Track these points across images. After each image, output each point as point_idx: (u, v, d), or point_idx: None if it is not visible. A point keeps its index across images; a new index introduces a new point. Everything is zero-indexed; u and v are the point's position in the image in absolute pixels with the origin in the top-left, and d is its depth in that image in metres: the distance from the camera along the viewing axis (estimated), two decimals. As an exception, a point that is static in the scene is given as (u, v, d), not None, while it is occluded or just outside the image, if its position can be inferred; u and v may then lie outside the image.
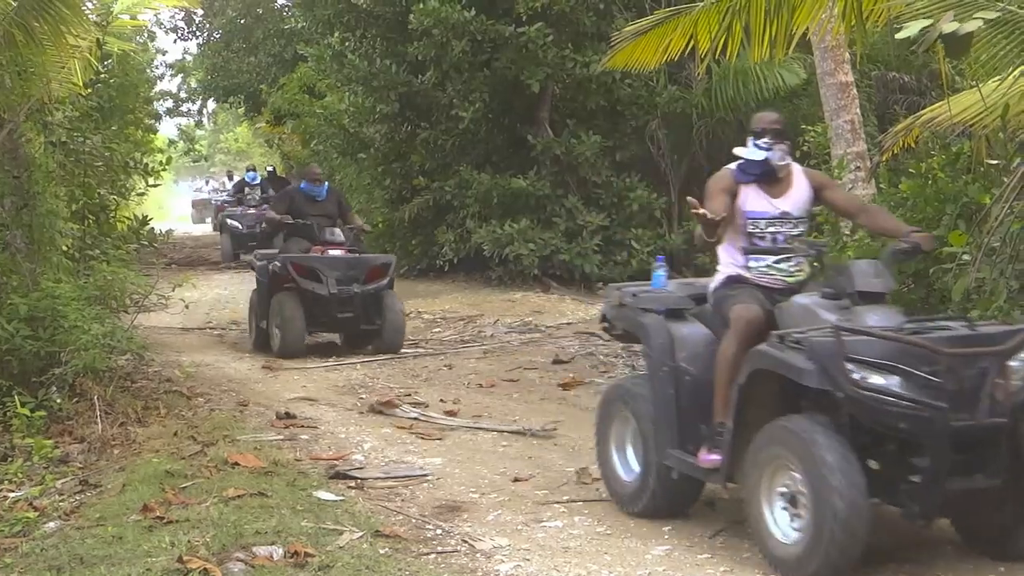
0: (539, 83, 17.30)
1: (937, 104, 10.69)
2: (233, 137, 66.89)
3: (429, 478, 7.31)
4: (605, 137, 17.98)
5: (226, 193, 31.05)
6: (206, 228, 37.08)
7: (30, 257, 9.74)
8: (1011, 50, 7.62)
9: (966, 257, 8.63)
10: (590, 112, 18.24)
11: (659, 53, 10.05)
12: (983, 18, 6.68)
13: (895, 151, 11.25)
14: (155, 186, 14.42)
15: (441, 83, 18.10)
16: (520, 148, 18.44)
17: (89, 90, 12.37)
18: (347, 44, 18.88)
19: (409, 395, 10.30)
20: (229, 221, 24.44)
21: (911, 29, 6.63)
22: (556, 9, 16.97)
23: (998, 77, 8.67)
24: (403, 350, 12.80)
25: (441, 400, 10.01)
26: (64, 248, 10.86)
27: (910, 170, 10.89)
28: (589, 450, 7.90)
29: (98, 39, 12.50)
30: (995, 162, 9.28)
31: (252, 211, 23.78)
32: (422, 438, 8.41)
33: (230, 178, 36.28)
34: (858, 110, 13.02)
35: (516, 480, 7.17)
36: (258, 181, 25.83)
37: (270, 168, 28.19)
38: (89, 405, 8.59)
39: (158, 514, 6.00)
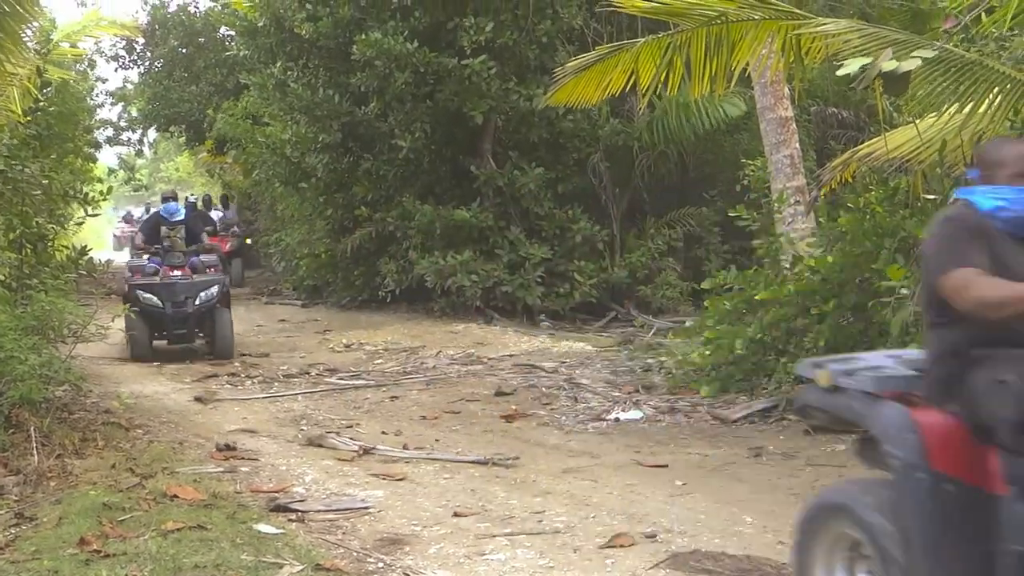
0: (482, 115, 17.34)
1: (874, 139, 10.87)
2: (174, 166, 66.46)
3: (371, 511, 7.26)
4: (548, 169, 18.05)
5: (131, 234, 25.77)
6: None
7: (-35, 286, 9.63)
8: (947, 87, 7.75)
9: (904, 291, 8.74)
10: (533, 144, 18.31)
11: (601, 89, 10.15)
12: (921, 57, 6.79)
13: (833, 185, 11.41)
14: (95, 215, 14.24)
15: (384, 114, 18.10)
16: (463, 179, 18.47)
17: (28, 118, 12.25)
18: (290, 73, 18.83)
19: (351, 427, 10.25)
20: (143, 295, 14.63)
21: (851, 66, 6.74)
22: (499, 42, 17.04)
23: (935, 113, 8.82)
24: (344, 381, 12.77)
25: (383, 432, 9.97)
26: (1, 277, 10.73)
27: (848, 204, 11.04)
28: (532, 483, 7.94)
29: (38, 67, 12.42)
30: (932, 197, 9.42)
31: (177, 273, 15.24)
32: (377, 477, 8.29)
33: (147, 211, 32.57)
34: (798, 145, 13.19)
35: (457, 514, 7.14)
36: (180, 215, 16.46)
37: (192, 198, 27.01)
38: (25, 436, 8.46)
39: (95, 547, 5.92)
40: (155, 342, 15.16)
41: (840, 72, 6.79)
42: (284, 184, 21.25)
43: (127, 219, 48.65)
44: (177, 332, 15.01)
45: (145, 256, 15.89)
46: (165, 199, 16.47)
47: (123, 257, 37.53)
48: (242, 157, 25.37)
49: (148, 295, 14.58)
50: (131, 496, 7.18)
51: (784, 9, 9.05)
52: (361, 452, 8.95)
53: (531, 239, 17.93)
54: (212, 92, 29.35)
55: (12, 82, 11.11)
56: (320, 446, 9.29)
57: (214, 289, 14.99)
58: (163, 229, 15.75)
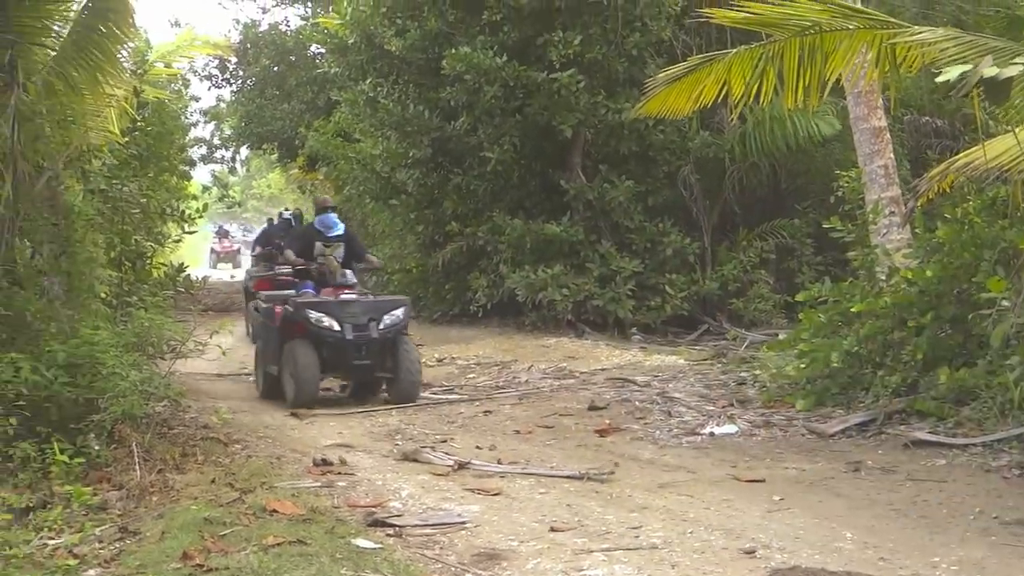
0: (571, 129, 17.35)
1: (972, 148, 10.67)
2: (266, 183, 67.37)
3: (467, 526, 7.26)
4: (638, 182, 18.01)
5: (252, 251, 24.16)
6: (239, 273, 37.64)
7: (68, 304, 9.81)
8: (1048, 95, 7.62)
9: (1005, 303, 8.59)
10: (622, 157, 18.28)
11: (692, 100, 10.10)
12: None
13: (930, 196, 11.23)
14: (191, 233, 14.47)
15: (473, 128, 18.17)
16: (553, 193, 18.48)
17: (126, 138, 12.48)
18: (380, 90, 18.99)
19: (445, 441, 10.29)
20: (314, 316, 12.32)
21: (950, 74, 6.65)
22: (588, 56, 17.04)
23: (1035, 122, 8.66)
24: (438, 396, 12.82)
25: (477, 447, 9.99)
26: (102, 295, 10.93)
27: (946, 215, 10.88)
28: (628, 497, 7.90)
29: (135, 87, 12.65)
30: (1033, 207, 9.24)
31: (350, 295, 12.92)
32: (473, 491, 8.29)
33: (271, 223, 26.78)
34: (892, 155, 13.03)
35: (554, 529, 7.12)
36: (339, 230, 13.65)
37: (287, 213, 25.96)
38: (127, 452, 8.60)
39: (198, 562, 5.99)
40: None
41: (939, 79, 6.71)
42: (375, 200, 21.43)
43: (221, 233, 49.11)
44: (359, 364, 12.35)
45: (261, 266, 16.19)
46: (322, 209, 13.64)
47: (221, 274, 38.09)
48: (333, 173, 25.61)
49: (321, 316, 12.14)
50: (231, 511, 7.24)
51: (879, 18, 8.96)
52: (456, 467, 8.96)
53: (622, 252, 17.89)
54: (303, 110, 29.69)
55: (110, 103, 11.30)
56: (416, 461, 9.32)
57: (400, 311, 12.60)
58: (318, 244, 13.18)
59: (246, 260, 41.01)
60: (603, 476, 8.52)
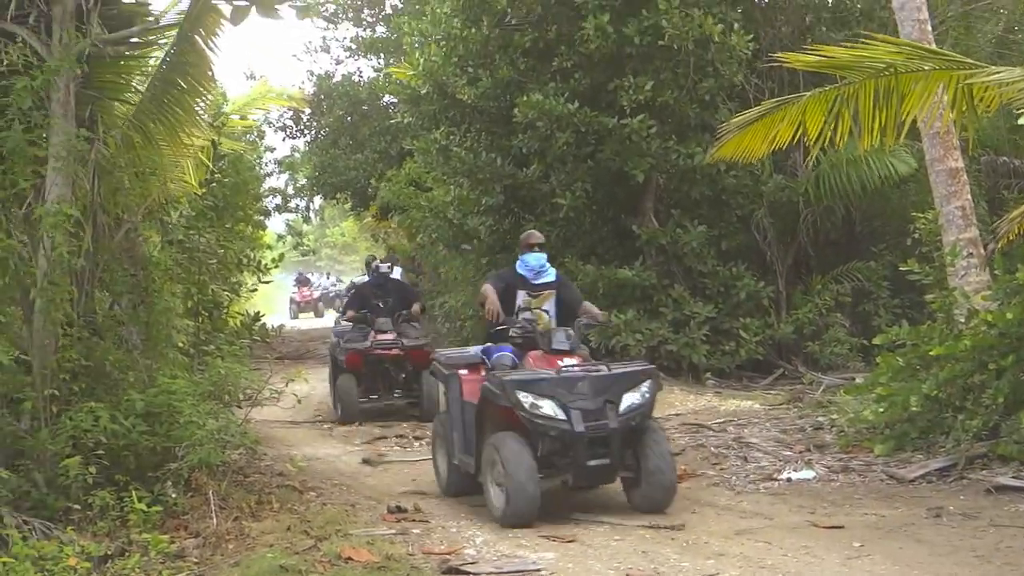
0: (643, 173, 17.31)
1: (1052, 188, 10.53)
2: (339, 231, 67.96)
3: (542, 573, 7.24)
4: (710, 226, 17.92)
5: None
6: (311, 322, 37.83)
7: (146, 353, 9.95)
8: None
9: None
10: (695, 202, 18.21)
11: (767, 142, 10.10)
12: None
13: (1010, 237, 11.08)
14: (267, 282, 14.64)
15: (545, 175, 18.19)
16: (625, 238, 18.44)
17: (203, 189, 12.67)
18: (452, 138, 19.09)
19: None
20: (528, 400, 8.91)
21: (1034, 114, 6.58)
22: (659, 101, 17.04)
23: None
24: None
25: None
26: (179, 344, 11.06)
27: (1026, 256, 10.72)
28: (704, 544, 7.83)
29: (212, 140, 12.85)
30: (1113, 247, 9.08)
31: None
32: (547, 538, 8.24)
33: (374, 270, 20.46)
34: (969, 196, 12.86)
35: (630, 575, 7.07)
36: (550, 275, 11.08)
37: (384, 266, 18.88)
38: (204, 500, 8.68)
39: (275, 610, 6.01)
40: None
41: (1023, 122, 6.62)
42: (447, 247, 21.50)
43: (301, 282, 48.50)
44: (595, 465, 8.79)
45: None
46: (527, 247, 10.28)
47: (304, 324, 38.09)
48: (406, 221, 25.75)
49: (537, 400, 8.69)
50: (307, 559, 7.28)
51: (954, 59, 8.91)
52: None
53: (695, 297, 17.78)
54: (376, 159, 29.90)
55: (188, 155, 11.48)
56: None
57: (646, 387, 9.06)
58: (521, 295, 10.12)
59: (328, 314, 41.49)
60: (676, 525, 8.43)
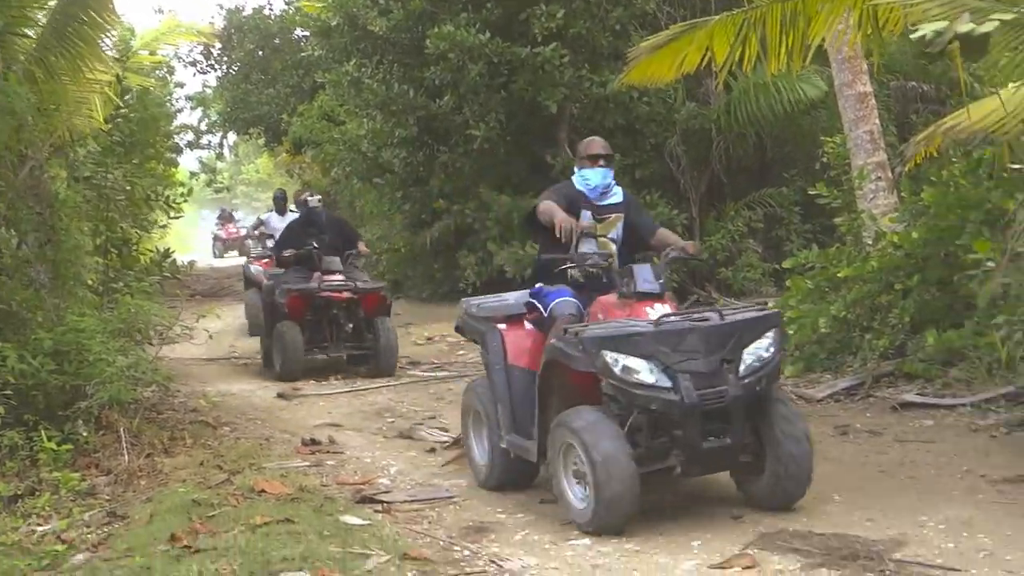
0: (556, 103, 17.28)
1: (957, 112, 10.66)
2: (254, 168, 67.29)
3: (455, 500, 7.29)
4: (624, 155, 17.93)
5: None
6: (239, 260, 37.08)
7: (54, 292, 9.79)
8: (1030, 55, 7.59)
9: (991, 263, 8.59)
10: (608, 131, 18.18)
11: (675, 67, 10.09)
12: (999, 19, 6.65)
13: (917, 160, 11.22)
14: (176, 218, 14.45)
15: (459, 106, 18.10)
16: (539, 169, 18.41)
17: (110, 125, 12.44)
18: (364, 71, 18.91)
19: (434, 418, 10.29)
20: (620, 361, 6.48)
21: (926, 29, 6.62)
22: (572, 31, 16.98)
23: (1017, 82, 8.65)
24: (427, 372, 12.82)
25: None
26: (88, 282, 10.90)
27: (932, 178, 10.87)
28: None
29: (118, 75, 12.60)
30: (1018, 167, 9.24)
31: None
32: (461, 467, 8.27)
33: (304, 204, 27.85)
34: (877, 120, 12.97)
35: (542, 501, 7.12)
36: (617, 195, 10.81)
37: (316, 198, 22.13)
38: (115, 437, 8.60)
39: (186, 543, 5.98)
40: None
41: (915, 36, 6.68)
42: (361, 180, 21.37)
43: (225, 218, 44.50)
44: (712, 447, 6.47)
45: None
46: (592, 158, 7.88)
47: (227, 263, 37.27)
48: (320, 156, 25.56)
49: (629, 360, 6.40)
50: (220, 492, 7.25)
51: (860, -20, 8.91)
52: (451, 443, 8.94)
53: (610, 226, 17.84)
54: (289, 94, 29.64)
55: (93, 89, 11.26)
56: (410, 438, 9.32)
57: (771, 338, 6.71)
58: (585, 215, 7.60)
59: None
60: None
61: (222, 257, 40.58)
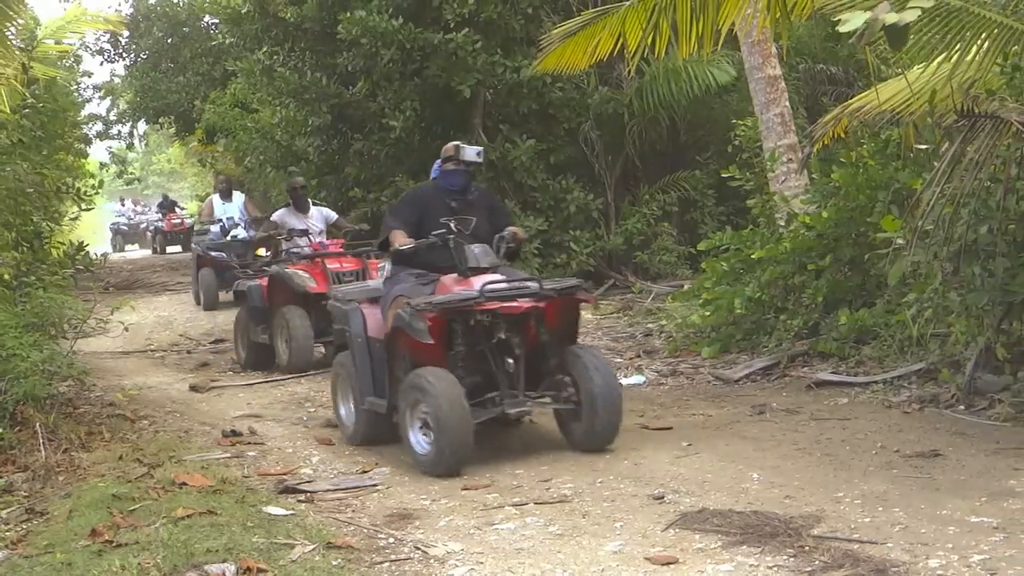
0: (470, 89, 17.29)
1: (865, 93, 10.83)
2: (166, 158, 66.52)
3: (379, 488, 7.29)
4: (539, 141, 18.02)
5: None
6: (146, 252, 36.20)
7: (-35, 287, 9.64)
8: (935, 36, 7.74)
9: (900, 242, 8.75)
10: (523, 116, 18.27)
11: (588, 53, 10.13)
12: (920, 7, 6.77)
13: (826, 141, 11.40)
14: (88, 210, 14.27)
15: (373, 93, 18.06)
16: (455, 155, 18.40)
17: (17, 116, 12.24)
18: (276, 58, 18.79)
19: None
20: None
21: (854, 22, 6.71)
22: (484, 16, 16.99)
23: (923, 64, 8.81)
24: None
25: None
26: (5, 276, 10.74)
27: (841, 159, 11.05)
28: (539, 451, 7.95)
29: (23, 65, 12.39)
30: (924, 147, 9.41)
31: None
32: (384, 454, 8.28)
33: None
34: (787, 103, 13.17)
35: (466, 487, 7.15)
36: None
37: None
38: (31, 433, 8.48)
39: (107, 538, 5.93)
40: None
41: (842, 29, 6.76)
42: (276, 169, 21.23)
43: (167, 206, 39.08)
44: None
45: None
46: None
47: (130, 255, 36.24)
48: (233, 145, 25.33)
49: None
50: (140, 486, 7.18)
51: (768, -35, 9.01)
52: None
53: (526, 211, 17.90)
54: (200, 82, 29.35)
55: (-1, 81, 11.06)
56: (336, 426, 9.29)
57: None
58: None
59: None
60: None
61: (164, 252, 36.74)
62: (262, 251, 16.84)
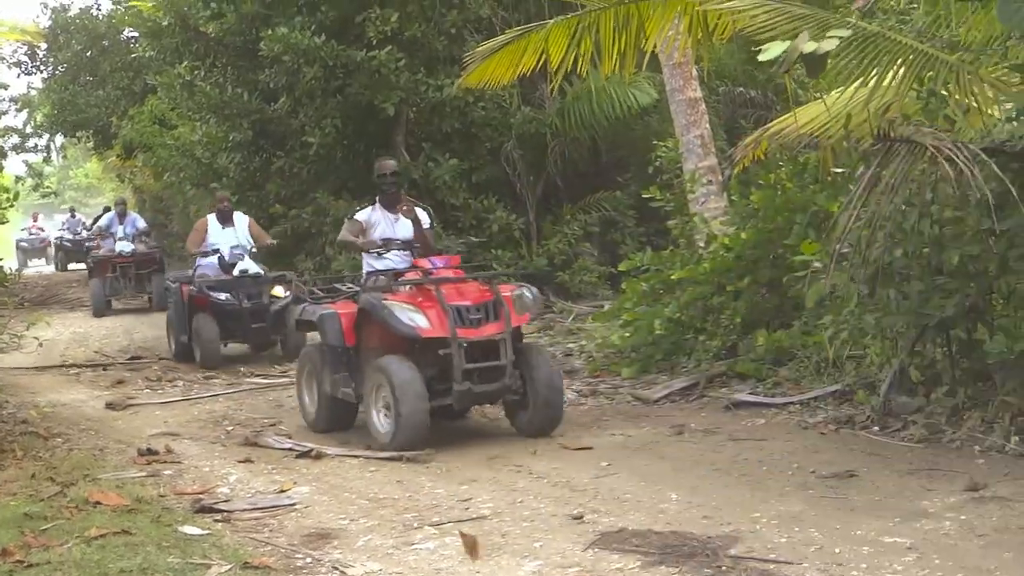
0: (393, 107, 17.27)
1: (784, 116, 10.98)
2: (83, 172, 65.67)
3: (297, 507, 7.22)
4: (461, 160, 18.04)
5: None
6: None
7: None
8: (852, 61, 7.84)
9: (817, 264, 8.85)
10: (446, 135, 18.28)
11: (512, 69, 10.20)
12: (839, 36, 6.88)
13: (745, 164, 11.52)
14: (1, 223, 14.05)
15: (294, 110, 17.98)
16: (377, 173, 18.37)
17: (-70, 128, 12.07)
18: (197, 73, 18.65)
19: (274, 425, 10.20)
20: None
21: (773, 51, 6.80)
22: (407, 34, 16.99)
23: (840, 88, 8.94)
24: (269, 379, 12.71)
25: (307, 428, 9.91)
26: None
27: (760, 182, 11.17)
28: (458, 471, 7.94)
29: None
30: (841, 170, 9.53)
31: None
32: (302, 473, 8.21)
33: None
34: (707, 125, 13.29)
35: (384, 506, 7.12)
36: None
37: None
38: (-60, 451, 8.33)
39: (18, 558, 5.82)
40: None
41: (762, 58, 6.85)
42: (195, 186, 21.04)
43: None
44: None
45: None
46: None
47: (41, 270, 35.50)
48: (152, 160, 25.07)
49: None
50: (52, 505, 7.07)
51: (690, -13, 9.11)
52: (299, 453, 8.81)
53: (448, 230, 17.89)
54: (119, 96, 29.01)
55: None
56: (256, 445, 9.19)
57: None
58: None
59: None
60: (420, 456, 8.39)
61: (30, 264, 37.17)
62: (280, 291, 14.19)
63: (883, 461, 7.50)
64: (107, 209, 41.35)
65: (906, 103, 8.18)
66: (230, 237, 14.82)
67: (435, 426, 8.79)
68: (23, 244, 41.34)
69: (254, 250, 14.99)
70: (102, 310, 20.42)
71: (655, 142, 14.95)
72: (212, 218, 15.06)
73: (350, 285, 10.59)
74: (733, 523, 6.22)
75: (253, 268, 14.57)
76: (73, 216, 37.28)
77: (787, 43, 6.90)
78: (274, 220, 18.98)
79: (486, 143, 18.50)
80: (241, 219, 15.26)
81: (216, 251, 14.59)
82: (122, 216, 21.85)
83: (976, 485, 6.55)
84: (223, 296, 14.28)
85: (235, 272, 14.39)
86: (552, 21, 9.73)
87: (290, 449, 8.97)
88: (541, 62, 9.93)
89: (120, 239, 21.12)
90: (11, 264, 27.88)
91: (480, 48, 10.40)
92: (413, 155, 18.26)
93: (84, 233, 32.37)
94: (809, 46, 6.68)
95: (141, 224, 22.23)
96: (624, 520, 6.42)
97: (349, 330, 9.42)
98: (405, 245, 10.24)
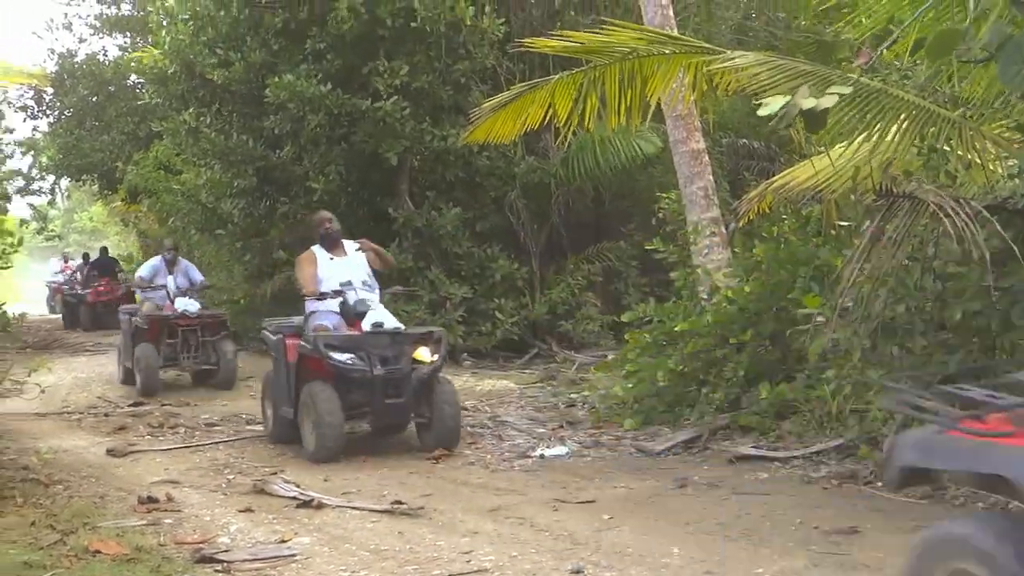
0: (397, 156, 17.35)
1: (789, 170, 11.01)
2: (88, 216, 65.81)
3: (297, 558, 7.18)
4: (465, 209, 18.11)
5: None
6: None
7: None
8: (856, 116, 7.90)
9: (820, 318, 8.86)
10: (449, 184, 18.36)
11: (518, 125, 10.26)
12: (839, 93, 6.92)
13: (749, 216, 11.54)
14: (4, 268, 14.06)
15: (299, 157, 18.06)
16: (381, 221, 18.44)
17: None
18: (202, 119, 18.73)
19: (275, 473, 10.16)
20: None
21: (773, 107, 6.84)
22: (415, 85, 17.08)
23: (844, 143, 8.98)
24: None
25: (310, 477, 9.88)
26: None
27: (763, 235, 11.20)
28: (459, 523, 7.91)
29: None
30: (845, 224, 9.56)
31: None
32: (304, 524, 8.18)
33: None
34: (711, 176, 13.33)
35: (385, 557, 7.09)
36: None
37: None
38: (-60, 497, 8.30)
39: (17, 608, 5.81)
40: None
41: (761, 112, 6.89)
42: (200, 231, 21.10)
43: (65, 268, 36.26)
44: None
45: None
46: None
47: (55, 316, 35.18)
48: (156, 205, 25.16)
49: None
50: (52, 553, 7.04)
51: (694, 44, 9.20)
52: (302, 503, 8.78)
53: (451, 279, 17.95)
54: (124, 141, 29.14)
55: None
56: (264, 492, 9.16)
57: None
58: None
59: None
60: (413, 510, 8.34)
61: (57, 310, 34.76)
62: (424, 354, 10.78)
63: (886, 517, 7.47)
64: (104, 250, 40.69)
65: (908, 159, 8.23)
66: (342, 270, 11.34)
67: (432, 477, 8.77)
68: (54, 286, 40.59)
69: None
70: (155, 386, 16.05)
71: (658, 193, 14.99)
72: (318, 249, 11.72)
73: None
74: (735, 579, 6.19)
75: (391, 321, 10.89)
76: (66, 262, 36.78)
77: (787, 98, 6.95)
78: (278, 266, 19.04)
79: (490, 192, 18.59)
80: (352, 247, 11.71)
81: (340, 292, 10.99)
82: (171, 264, 17.59)
83: (979, 543, 6.52)
84: (347, 358, 10.60)
85: (366, 326, 10.75)
86: (557, 76, 9.80)
87: (293, 498, 8.94)
88: (547, 116, 9.99)
89: (177, 295, 16.92)
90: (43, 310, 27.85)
91: (486, 104, 10.46)
92: (417, 203, 18.33)
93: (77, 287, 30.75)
94: (808, 102, 6.73)
95: (197, 276, 17.88)
96: (625, 574, 6.40)
97: None
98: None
